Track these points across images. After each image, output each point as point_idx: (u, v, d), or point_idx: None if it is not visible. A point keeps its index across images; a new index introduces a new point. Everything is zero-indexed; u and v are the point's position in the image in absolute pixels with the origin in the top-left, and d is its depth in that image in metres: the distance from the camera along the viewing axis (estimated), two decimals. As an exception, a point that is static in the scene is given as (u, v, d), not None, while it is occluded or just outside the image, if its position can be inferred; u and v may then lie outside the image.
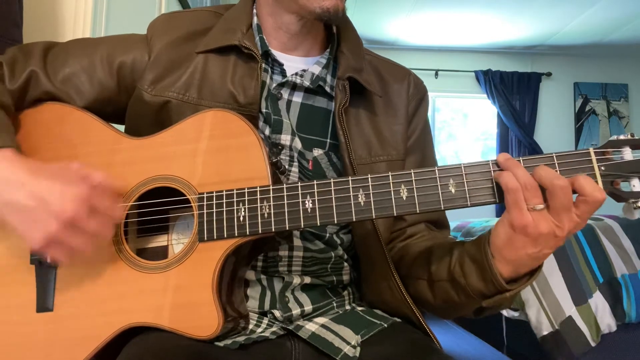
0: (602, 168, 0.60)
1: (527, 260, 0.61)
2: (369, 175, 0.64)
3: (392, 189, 0.63)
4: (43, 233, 0.60)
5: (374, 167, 0.80)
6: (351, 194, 0.63)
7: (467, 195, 0.61)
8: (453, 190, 0.61)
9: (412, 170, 0.63)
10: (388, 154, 0.81)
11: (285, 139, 0.77)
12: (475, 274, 0.66)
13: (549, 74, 5.07)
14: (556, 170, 0.60)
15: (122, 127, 0.80)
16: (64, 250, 0.62)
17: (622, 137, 0.60)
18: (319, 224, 0.64)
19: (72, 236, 0.61)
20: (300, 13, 0.77)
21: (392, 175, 0.63)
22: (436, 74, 5.01)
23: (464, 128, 5.25)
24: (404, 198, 0.62)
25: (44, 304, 0.68)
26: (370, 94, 0.82)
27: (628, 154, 0.60)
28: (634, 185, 0.59)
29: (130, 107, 0.80)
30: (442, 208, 0.62)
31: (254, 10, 0.84)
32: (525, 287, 0.64)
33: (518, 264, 0.62)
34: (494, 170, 0.62)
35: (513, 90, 4.96)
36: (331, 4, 0.74)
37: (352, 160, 0.76)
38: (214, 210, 0.66)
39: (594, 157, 0.60)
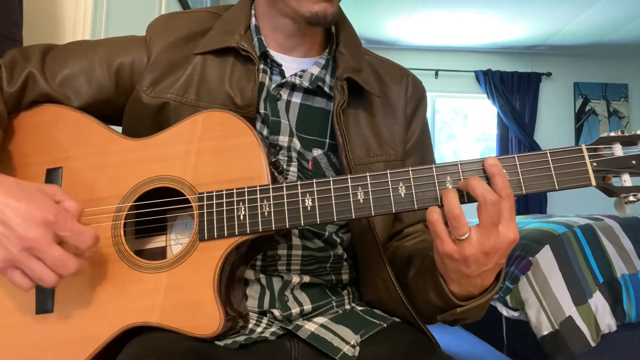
0: (594, 164, 0.61)
1: (469, 279, 0.63)
2: (368, 174, 0.64)
3: (390, 186, 0.63)
4: (3, 255, 0.58)
5: (372, 167, 0.80)
6: (350, 191, 0.64)
7: (465, 192, 0.62)
8: (450, 187, 0.62)
9: (410, 168, 0.64)
10: (386, 154, 0.82)
11: (283, 140, 0.78)
12: (433, 291, 0.68)
13: (549, 74, 5.07)
14: (550, 167, 0.61)
15: (119, 129, 0.80)
16: (24, 275, 0.59)
17: (612, 134, 0.62)
18: (319, 221, 0.64)
19: (32, 263, 0.58)
20: (293, 17, 0.78)
21: (390, 173, 0.64)
22: (436, 74, 5.01)
23: (463, 128, 5.25)
24: (402, 195, 0.63)
25: (43, 306, 0.68)
26: (369, 94, 0.82)
27: (619, 150, 0.62)
28: (624, 181, 0.61)
29: (128, 109, 0.80)
30: (440, 205, 0.62)
31: (252, 11, 0.85)
32: (483, 301, 0.65)
33: (463, 283, 0.64)
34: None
35: (513, 90, 4.96)
36: (320, 9, 0.74)
37: (350, 160, 0.77)
38: (214, 209, 0.66)
39: (586, 154, 0.62)
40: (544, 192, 0.62)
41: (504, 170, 0.61)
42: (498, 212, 0.58)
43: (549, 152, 0.62)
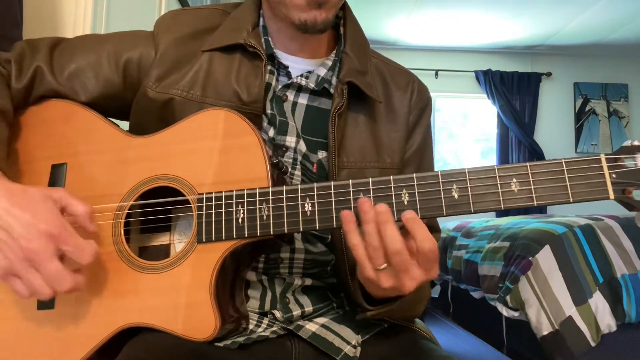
0: (614, 175, 0.56)
1: (385, 292, 0.63)
2: (370, 179, 0.62)
3: (393, 193, 0.61)
4: (3, 264, 0.58)
5: (366, 172, 0.79)
6: (351, 197, 0.61)
7: (471, 201, 0.59)
8: (456, 196, 0.59)
9: (414, 175, 0.60)
10: (382, 162, 0.80)
11: (290, 140, 0.77)
12: (358, 294, 0.70)
13: (549, 74, 5.07)
14: (565, 177, 0.58)
15: (126, 124, 0.81)
16: (23, 285, 0.59)
17: (636, 142, 0.57)
18: (318, 227, 0.62)
19: (29, 274, 0.58)
20: (287, 22, 0.77)
21: (393, 179, 0.61)
22: (436, 74, 5.01)
23: (463, 128, 5.25)
24: (406, 203, 0.60)
25: (45, 302, 0.68)
26: (371, 98, 0.81)
27: None
28: None
29: (135, 104, 0.80)
30: (445, 214, 0.59)
31: (261, 11, 0.84)
32: (391, 308, 0.66)
33: (380, 295, 0.65)
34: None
35: (513, 90, 4.96)
36: (309, 17, 0.73)
37: (334, 165, 0.76)
38: (213, 211, 0.65)
39: (605, 164, 0.57)
40: (557, 204, 0.58)
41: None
42: (406, 260, 0.58)
43: (565, 162, 0.58)
